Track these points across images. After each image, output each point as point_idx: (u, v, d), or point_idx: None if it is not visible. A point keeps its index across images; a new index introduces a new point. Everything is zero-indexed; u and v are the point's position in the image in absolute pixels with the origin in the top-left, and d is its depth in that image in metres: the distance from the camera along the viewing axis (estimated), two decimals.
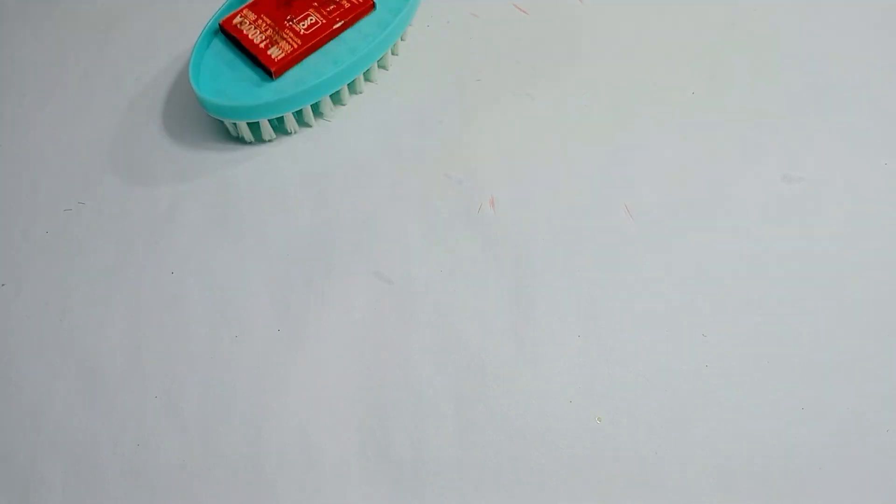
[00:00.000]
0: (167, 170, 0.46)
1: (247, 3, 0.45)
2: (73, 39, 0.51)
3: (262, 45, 0.43)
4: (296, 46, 0.43)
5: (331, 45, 0.45)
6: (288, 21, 0.44)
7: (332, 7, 0.44)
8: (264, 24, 0.44)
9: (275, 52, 0.43)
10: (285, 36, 0.43)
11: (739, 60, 0.49)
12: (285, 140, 0.46)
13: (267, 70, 0.43)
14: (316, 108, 0.46)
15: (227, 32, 0.44)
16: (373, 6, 0.46)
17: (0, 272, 0.42)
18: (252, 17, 0.44)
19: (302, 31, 0.44)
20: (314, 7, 0.44)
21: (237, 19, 0.44)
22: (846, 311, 0.40)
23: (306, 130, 0.47)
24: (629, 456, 0.36)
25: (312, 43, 0.44)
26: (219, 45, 0.45)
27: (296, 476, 0.36)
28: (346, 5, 0.45)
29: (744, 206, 0.43)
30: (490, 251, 0.42)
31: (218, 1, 0.50)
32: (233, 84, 0.44)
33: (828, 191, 0.44)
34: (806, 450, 0.36)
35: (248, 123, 0.44)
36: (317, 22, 0.44)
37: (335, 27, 0.44)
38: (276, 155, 0.46)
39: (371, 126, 0.47)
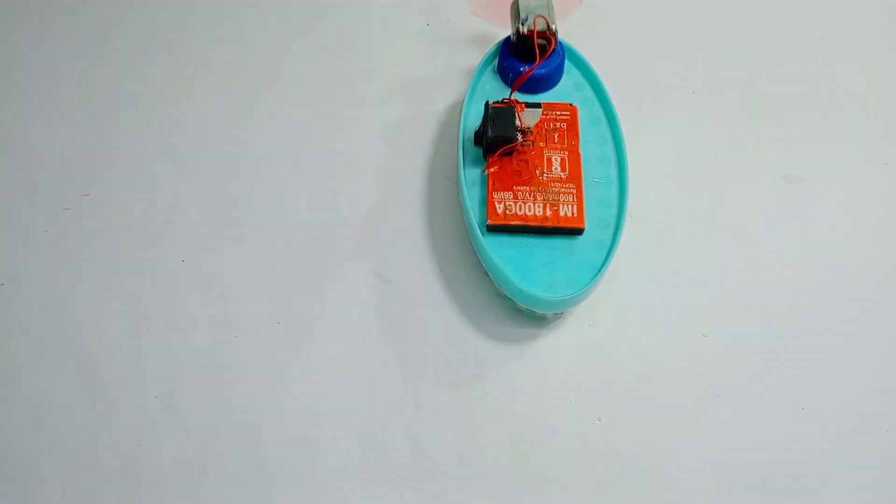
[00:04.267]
0: (166, 170, 0.46)
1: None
2: (73, 39, 0.51)
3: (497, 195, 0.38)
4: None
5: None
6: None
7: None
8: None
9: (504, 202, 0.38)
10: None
11: (739, 60, 0.49)
12: None
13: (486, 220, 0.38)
14: None
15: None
16: (580, 231, 0.38)
17: (0, 272, 0.42)
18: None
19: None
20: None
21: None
22: (846, 310, 0.40)
23: None
24: (629, 456, 0.36)
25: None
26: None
27: (296, 476, 0.36)
28: (561, 214, 0.38)
29: (744, 206, 0.43)
30: None
31: None
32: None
33: (828, 190, 0.44)
34: (806, 450, 0.36)
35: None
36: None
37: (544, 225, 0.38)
38: None
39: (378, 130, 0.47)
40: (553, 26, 0.41)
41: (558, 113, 0.41)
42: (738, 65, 0.48)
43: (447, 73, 0.49)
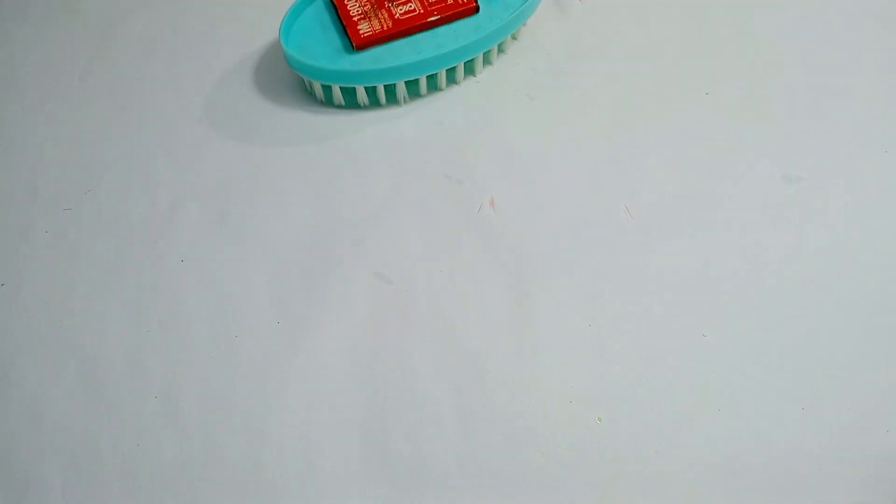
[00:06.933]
0: (166, 170, 0.46)
1: None
2: (73, 39, 0.51)
3: (355, 18, 0.45)
4: (385, 28, 0.45)
5: (421, 36, 0.46)
6: (388, 2, 0.46)
7: (434, 0, 0.46)
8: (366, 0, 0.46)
9: (363, 28, 0.45)
10: (380, 15, 0.45)
11: (739, 60, 0.49)
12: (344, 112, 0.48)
13: (350, 43, 0.45)
14: (391, 91, 0.47)
15: None
16: (475, 9, 0.46)
17: (0, 272, 0.42)
18: None
19: (398, 14, 0.45)
20: None
21: None
22: (846, 310, 0.40)
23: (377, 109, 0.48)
24: (629, 456, 0.36)
25: (402, 29, 0.45)
26: (320, 5, 0.47)
27: (296, 476, 0.36)
28: (449, 2, 0.46)
29: (744, 206, 0.43)
30: (490, 251, 0.42)
31: None
32: (319, 45, 0.45)
33: (828, 189, 0.44)
34: (806, 450, 0.36)
35: (322, 85, 0.46)
36: (414, 10, 0.45)
37: (430, 20, 0.45)
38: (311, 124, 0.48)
39: (373, 129, 0.47)
40: None
41: None
42: (737, 65, 0.48)
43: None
